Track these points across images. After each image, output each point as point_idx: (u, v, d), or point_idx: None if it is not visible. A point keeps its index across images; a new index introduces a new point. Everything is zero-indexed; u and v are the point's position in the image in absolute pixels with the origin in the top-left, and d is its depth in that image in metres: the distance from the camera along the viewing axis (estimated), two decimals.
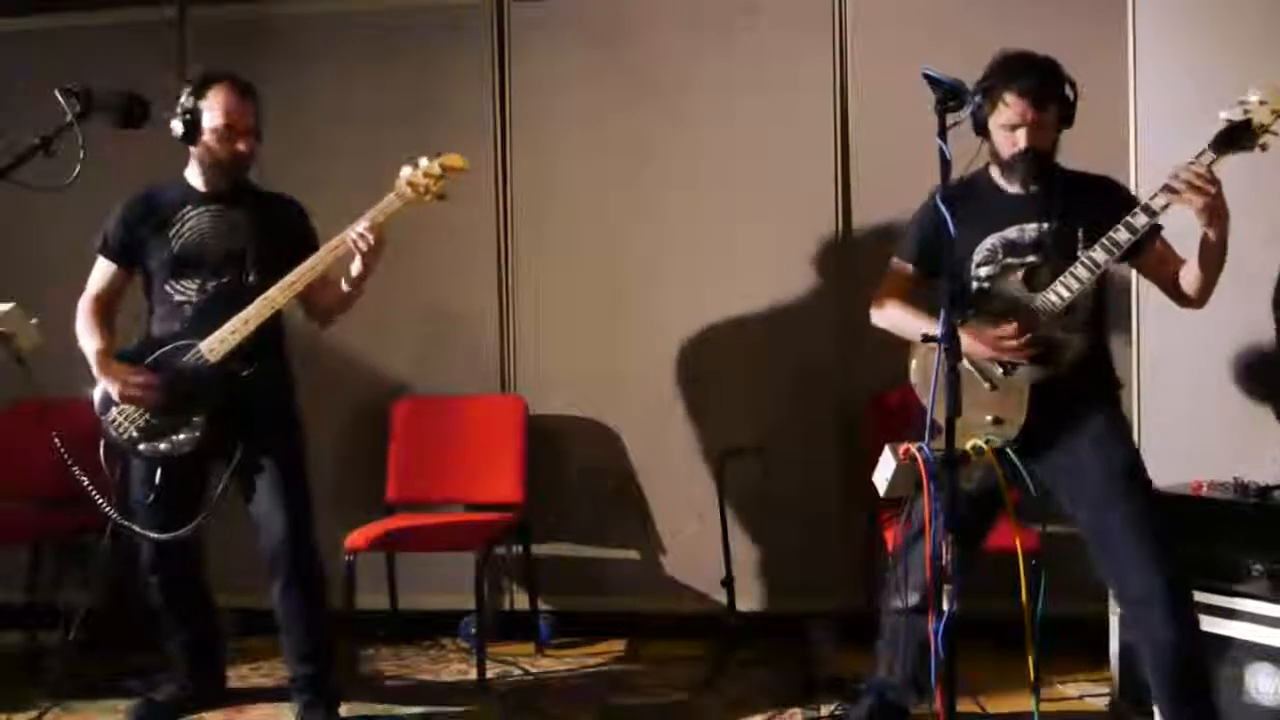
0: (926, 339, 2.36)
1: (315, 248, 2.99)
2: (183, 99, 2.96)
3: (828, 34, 3.82)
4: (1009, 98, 2.53)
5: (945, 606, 2.19)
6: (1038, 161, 2.58)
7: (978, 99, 2.55)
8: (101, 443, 2.97)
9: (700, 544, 3.84)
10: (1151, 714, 2.79)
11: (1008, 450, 2.44)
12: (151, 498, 2.97)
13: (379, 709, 3.29)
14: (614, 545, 3.99)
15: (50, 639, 3.74)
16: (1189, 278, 2.57)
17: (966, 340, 2.50)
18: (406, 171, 2.96)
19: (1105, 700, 3.12)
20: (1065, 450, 2.59)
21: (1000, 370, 2.59)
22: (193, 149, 3.01)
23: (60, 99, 2.43)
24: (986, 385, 2.59)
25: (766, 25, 3.85)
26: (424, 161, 2.97)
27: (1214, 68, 2.98)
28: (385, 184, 3.02)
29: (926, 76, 2.27)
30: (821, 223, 3.83)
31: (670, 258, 3.92)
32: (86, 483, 2.87)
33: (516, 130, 4.01)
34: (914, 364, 2.73)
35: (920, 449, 2.19)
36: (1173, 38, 3.10)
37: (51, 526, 3.73)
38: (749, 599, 3.82)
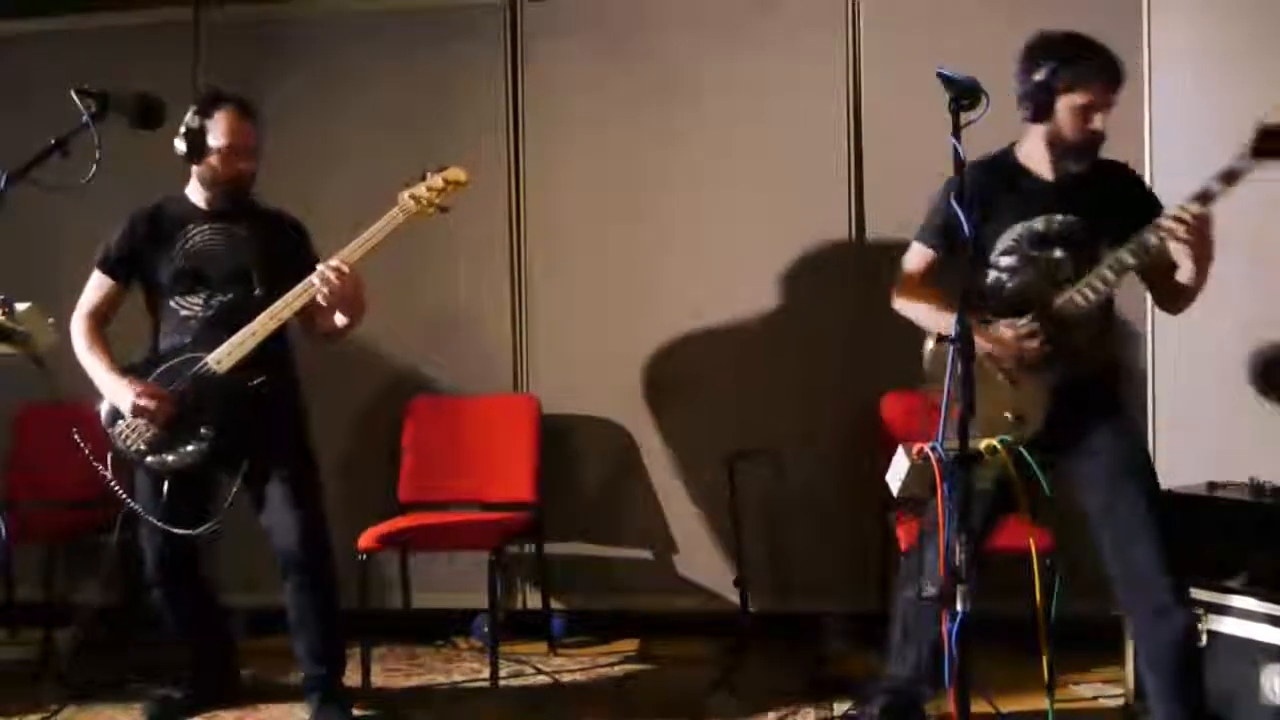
0: (942, 339, 2.35)
1: (313, 265, 3.01)
2: (188, 118, 2.99)
3: (842, 33, 3.82)
4: (1092, 79, 2.46)
5: (960, 606, 2.17)
6: (1098, 148, 2.54)
7: (1048, 72, 2.46)
8: (109, 456, 2.99)
9: (712, 543, 3.84)
10: None
11: (1021, 450, 2.43)
12: (159, 509, 2.98)
13: (392, 708, 3.30)
14: (626, 545, 3.99)
15: (66, 637, 3.77)
16: (1178, 288, 2.55)
17: (987, 342, 2.49)
18: (409, 187, 3.01)
19: (1120, 700, 3.11)
20: (1081, 446, 2.59)
21: (1020, 368, 2.56)
22: (195, 167, 3.05)
23: (76, 100, 2.45)
24: (1007, 383, 2.56)
25: (780, 26, 3.85)
26: (427, 175, 3.01)
27: (1229, 64, 2.97)
28: (396, 185, 3.03)
29: (941, 76, 2.26)
30: (834, 223, 3.83)
31: (684, 257, 3.92)
32: (107, 476, 2.90)
33: (529, 130, 4.01)
34: (928, 353, 2.68)
35: (934, 448, 2.18)
36: (1187, 37, 3.09)
37: (68, 527, 3.75)
38: (761, 599, 3.81)
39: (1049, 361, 2.54)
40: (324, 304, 2.94)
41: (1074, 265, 2.52)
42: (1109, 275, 2.47)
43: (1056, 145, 2.55)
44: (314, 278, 2.90)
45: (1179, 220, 2.37)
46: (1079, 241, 2.54)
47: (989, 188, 2.57)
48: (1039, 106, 2.51)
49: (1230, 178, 2.35)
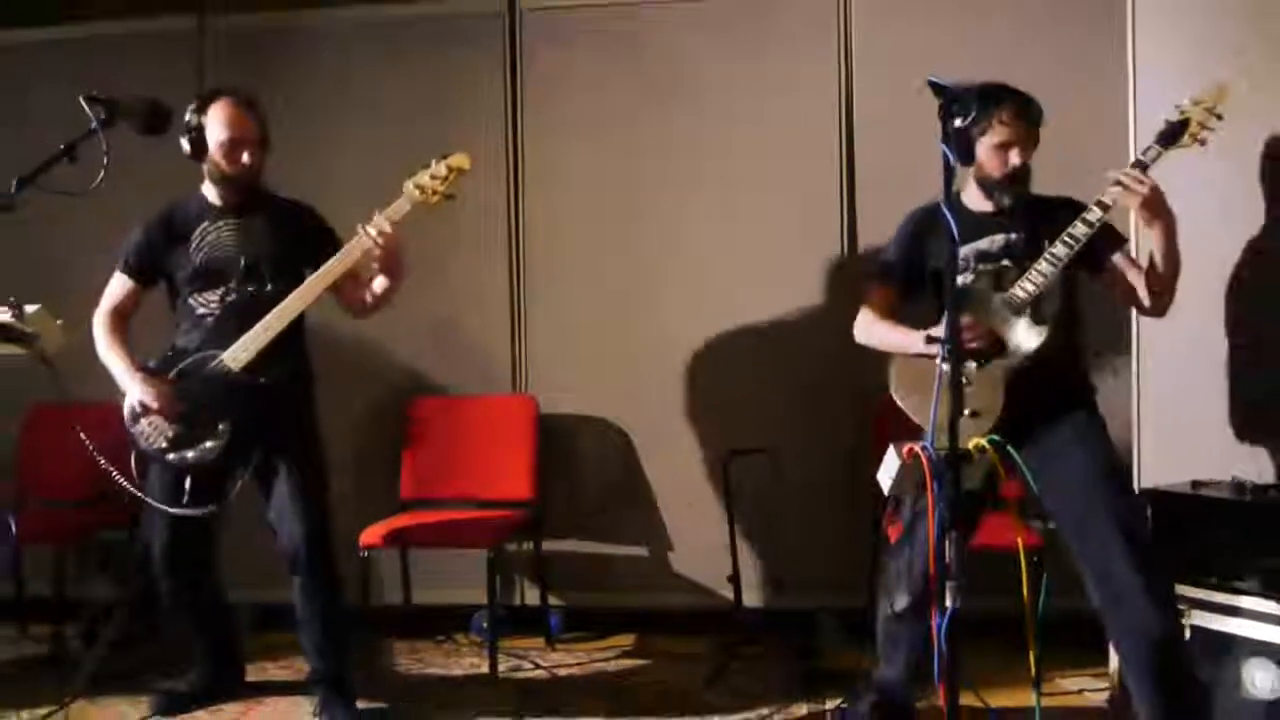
0: (931, 339, 2.41)
1: (336, 248, 3.05)
2: (188, 117, 3.01)
3: (834, 39, 3.87)
4: (1004, 117, 2.66)
5: (948, 603, 2.22)
6: (1026, 178, 2.71)
7: (961, 120, 2.55)
8: (132, 453, 3.03)
9: (708, 541, 3.89)
10: None
11: (1009, 448, 2.47)
12: (181, 504, 3.00)
13: (394, 702, 3.35)
14: (623, 542, 4.03)
15: (75, 633, 3.81)
16: (1147, 284, 2.66)
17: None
18: (414, 176, 3.04)
19: (1105, 695, 3.16)
20: (1045, 445, 2.65)
21: (974, 365, 2.64)
22: (204, 165, 3.08)
23: (85, 107, 2.49)
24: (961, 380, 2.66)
25: (777, 28, 3.90)
26: (431, 164, 3.04)
27: (1214, 75, 3.00)
28: (397, 191, 3.07)
29: (931, 83, 2.31)
30: (828, 225, 3.88)
31: (680, 260, 3.97)
32: (114, 473, 2.93)
33: (529, 132, 4.06)
34: (893, 374, 2.79)
35: (924, 448, 2.22)
36: (1172, 40, 3.12)
37: (76, 527, 3.79)
38: (755, 595, 3.86)
39: (999, 355, 2.63)
40: (375, 261, 3.00)
41: (1019, 273, 2.66)
42: (1044, 267, 2.62)
43: (985, 183, 2.76)
44: (367, 232, 2.95)
45: (1118, 183, 2.52)
46: (1023, 254, 2.69)
47: (933, 226, 2.74)
48: (962, 151, 2.63)
49: (1141, 167, 2.56)
